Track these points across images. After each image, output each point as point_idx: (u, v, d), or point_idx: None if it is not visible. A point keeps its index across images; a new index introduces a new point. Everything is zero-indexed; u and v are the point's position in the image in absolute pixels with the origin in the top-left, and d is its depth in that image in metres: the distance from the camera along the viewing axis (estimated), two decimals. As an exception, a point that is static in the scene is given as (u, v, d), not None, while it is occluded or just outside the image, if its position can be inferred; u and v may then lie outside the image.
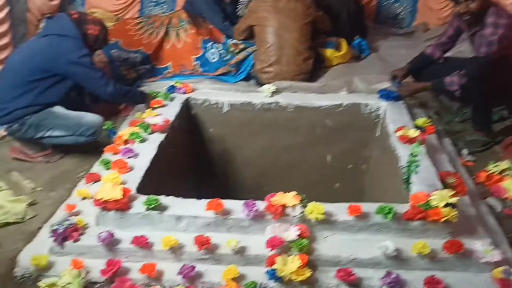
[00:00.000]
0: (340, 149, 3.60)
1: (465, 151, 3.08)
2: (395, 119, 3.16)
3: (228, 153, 3.71)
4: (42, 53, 2.96)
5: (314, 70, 3.87)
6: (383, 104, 3.40)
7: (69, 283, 1.99)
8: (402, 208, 2.21)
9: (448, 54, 3.56)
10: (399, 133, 2.90)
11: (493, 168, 2.83)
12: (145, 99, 3.35)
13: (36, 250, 2.21)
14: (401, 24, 5.16)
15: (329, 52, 4.04)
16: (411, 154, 2.40)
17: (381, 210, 2.18)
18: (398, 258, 2.10)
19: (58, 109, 3.03)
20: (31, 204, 2.66)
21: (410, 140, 2.80)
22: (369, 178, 3.62)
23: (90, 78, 3.03)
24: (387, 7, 5.13)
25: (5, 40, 3.68)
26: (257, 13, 3.87)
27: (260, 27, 3.85)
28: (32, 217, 2.57)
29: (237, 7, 4.42)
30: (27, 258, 2.17)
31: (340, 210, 2.24)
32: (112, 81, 3.12)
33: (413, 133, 2.85)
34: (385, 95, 3.43)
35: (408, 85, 3.53)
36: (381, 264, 2.10)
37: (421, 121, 3.11)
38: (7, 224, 2.50)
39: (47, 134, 3.01)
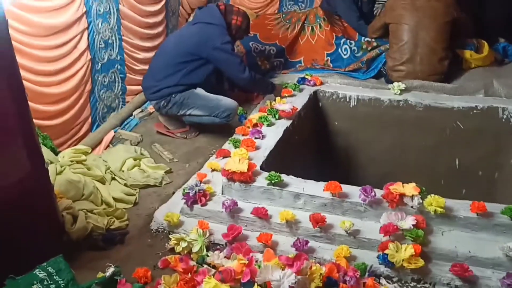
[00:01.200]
0: (470, 154, 3.43)
1: None
2: (536, 125, 2.95)
3: (352, 148, 3.74)
4: (191, 38, 3.29)
5: (449, 71, 3.72)
6: (525, 110, 3.19)
7: (195, 240, 2.22)
8: (532, 212, 2.08)
9: None
10: (540, 139, 2.70)
11: None
12: (275, 90, 3.53)
13: (169, 210, 2.49)
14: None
15: (468, 54, 3.85)
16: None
17: (508, 211, 2.07)
18: (522, 261, 1.99)
19: (200, 91, 3.34)
20: (168, 172, 3.00)
21: (552, 147, 2.60)
22: (502, 187, 3.38)
23: (229, 63, 3.29)
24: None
25: (160, 28, 4.12)
26: (395, 11, 3.83)
27: (395, 25, 3.79)
28: (168, 183, 2.89)
29: (375, 7, 4.44)
30: (161, 215, 2.46)
31: (462, 207, 2.18)
32: (248, 68, 3.34)
33: (557, 140, 2.63)
34: (528, 100, 3.20)
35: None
36: (502, 265, 2.01)
37: None
38: (147, 186, 2.84)
39: (188, 112, 3.33)
